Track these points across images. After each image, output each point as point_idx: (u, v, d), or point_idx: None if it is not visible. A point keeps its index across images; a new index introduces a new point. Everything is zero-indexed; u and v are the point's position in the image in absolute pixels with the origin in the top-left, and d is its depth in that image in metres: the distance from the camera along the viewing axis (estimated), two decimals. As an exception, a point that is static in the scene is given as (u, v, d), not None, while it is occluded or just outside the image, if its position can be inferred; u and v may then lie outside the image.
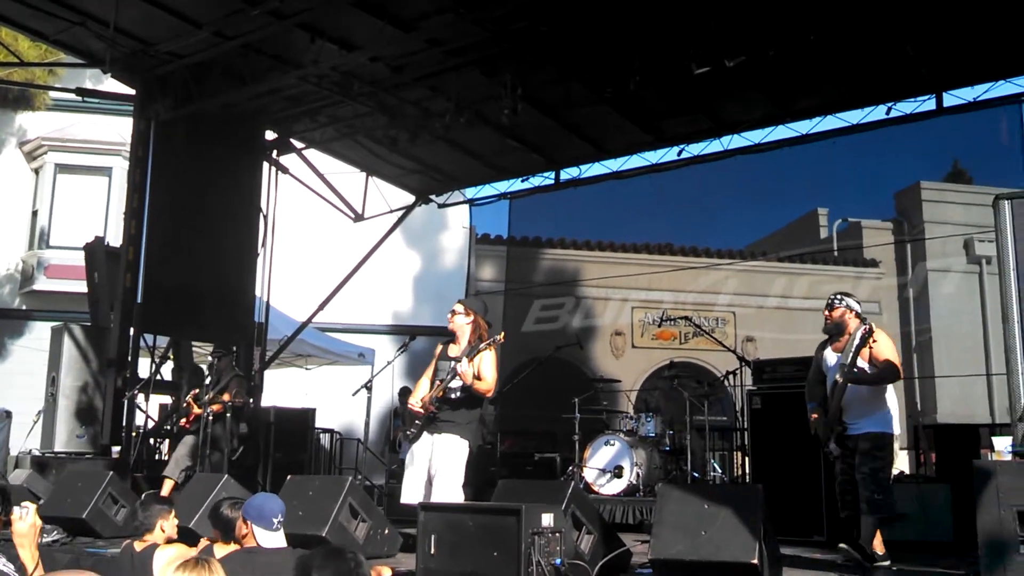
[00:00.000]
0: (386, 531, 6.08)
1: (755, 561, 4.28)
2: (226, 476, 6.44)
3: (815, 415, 6.01)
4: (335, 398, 14.19)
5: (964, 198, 17.71)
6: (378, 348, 15.19)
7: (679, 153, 11.17)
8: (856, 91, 9.70)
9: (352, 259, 13.00)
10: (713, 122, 10.61)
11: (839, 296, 6.06)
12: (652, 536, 4.54)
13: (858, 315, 5.97)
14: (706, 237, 17.82)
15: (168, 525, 5.32)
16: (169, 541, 5.28)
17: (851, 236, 18.92)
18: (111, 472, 7.28)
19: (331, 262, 14.80)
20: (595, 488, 8.92)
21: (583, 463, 9.19)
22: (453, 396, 5.95)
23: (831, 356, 5.97)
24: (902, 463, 12.56)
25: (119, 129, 16.42)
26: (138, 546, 5.18)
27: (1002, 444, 4.97)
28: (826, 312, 6.04)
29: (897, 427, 5.85)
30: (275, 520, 4.37)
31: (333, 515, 5.59)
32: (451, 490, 5.70)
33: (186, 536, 5.57)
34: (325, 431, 13.01)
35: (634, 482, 8.83)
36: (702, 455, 9.95)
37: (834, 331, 5.98)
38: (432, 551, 4.39)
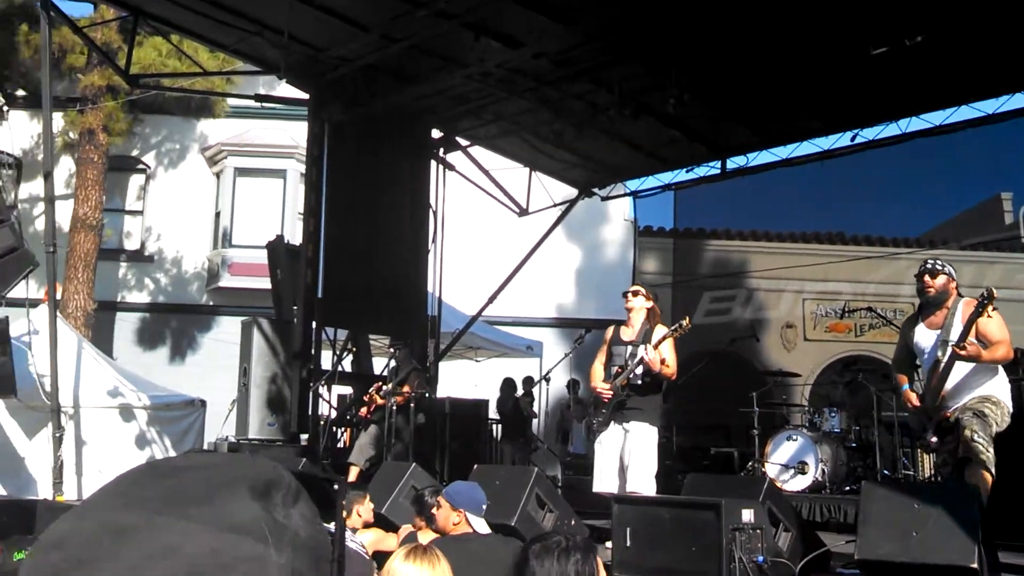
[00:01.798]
0: (572, 522, 6.07)
1: (975, 565, 4.02)
2: (414, 464, 6.60)
3: (912, 401, 5.35)
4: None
5: None
6: (544, 340, 15.32)
7: (852, 138, 10.69)
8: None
9: (516, 253, 13.12)
10: (889, 104, 10.09)
11: (941, 262, 5.35)
12: (858, 536, 4.34)
13: (958, 287, 5.34)
14: (879, 225, 17.07)
15: (364, 510, 5.49)
16: (366, 526, 5.46)
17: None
18: (303, 459, 7.58)
19: (496, 256, 14.99)
20: (778, 484, 8.64)
21: (764, 458, 8.94)
22: (638, 383, 5.89)
23: (926, 334, 5.30)
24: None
25: (292, 133, 17.17)
26: (335, 531, 5.38)
27: None
28: (927, 279, 5.26)
29: (1009, 403, 5.12)
30: (484, 507, 4.44)
31: (521, 505, 5.62)
32: (646, 480, 5.67)
33: (378, 522, 5.75)
34: (496, 422, 13.18)
35: (819, 479, 8.52)
36: (891, 452, 9.49)
37: (934, 302, 5.29)
38: (628, 543, 4.34)
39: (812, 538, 5.03)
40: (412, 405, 8.39)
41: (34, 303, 9.55)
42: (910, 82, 9.51)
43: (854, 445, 9.09)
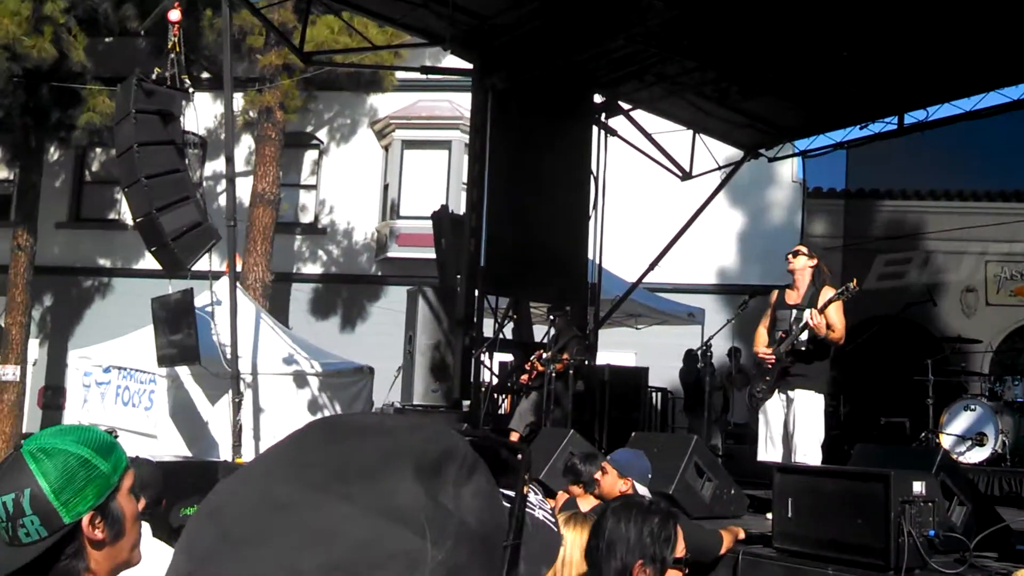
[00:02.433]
0: (732, 491, 6.02)
1: None
2: (572, 431, 6.68)
3: None
4: (663, 357, 14.30)
5: None
6: (705, 307, 15.07)
7: (1048, 86, 9.94)
8: None
9: (677, 218, 12.93)
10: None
11: None
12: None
13: None
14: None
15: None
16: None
17: None
18: (465, 424, 7.79)
19: (657, 221, 14.84)
20: (953, 456, 8.25)
21: (939, 428, 8.53)
22: (803, 348, 5.71)
23: None
24: None
25: (456, 104, 17.48)
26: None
27: None
28: None
29: None
30: (649, 476, 4.46)
31: (680, 473, 5.61)
32: (812, 449, 5.53)
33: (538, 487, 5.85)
34: (656, 390, 13.11)
35: (999, 451, 8.07)
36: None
37: None
38: (789, 514, 4.26)
39: (990, 513, 4.78)
40: (571, 372, 8.45)
41: (216, 275, 10.18)
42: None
43: (1040, 416, 8.54)
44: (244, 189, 16.30)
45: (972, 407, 8.38)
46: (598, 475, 4.60)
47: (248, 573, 0.58)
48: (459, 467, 0.63)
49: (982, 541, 4.55)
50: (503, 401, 11.09)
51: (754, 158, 12.94)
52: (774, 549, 4.31)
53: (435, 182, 17.89)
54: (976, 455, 8.19)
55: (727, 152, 13.02)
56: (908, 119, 11.30)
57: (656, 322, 14.69)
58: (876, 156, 13.22)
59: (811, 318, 5.57)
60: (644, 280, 13.10)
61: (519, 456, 0.71)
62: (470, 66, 10.86)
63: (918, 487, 3.99)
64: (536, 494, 0.80)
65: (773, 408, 5.82)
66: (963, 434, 8.29)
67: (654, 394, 13.18)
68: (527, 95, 10.64)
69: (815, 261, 5.96)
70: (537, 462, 6.37)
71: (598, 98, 11.86)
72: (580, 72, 10.83)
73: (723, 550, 4.37)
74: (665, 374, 13.89)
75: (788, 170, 17.20)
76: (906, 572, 3.77)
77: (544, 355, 8.97)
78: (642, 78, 11.13)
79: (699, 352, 12.73)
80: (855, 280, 5.75)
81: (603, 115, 11.99)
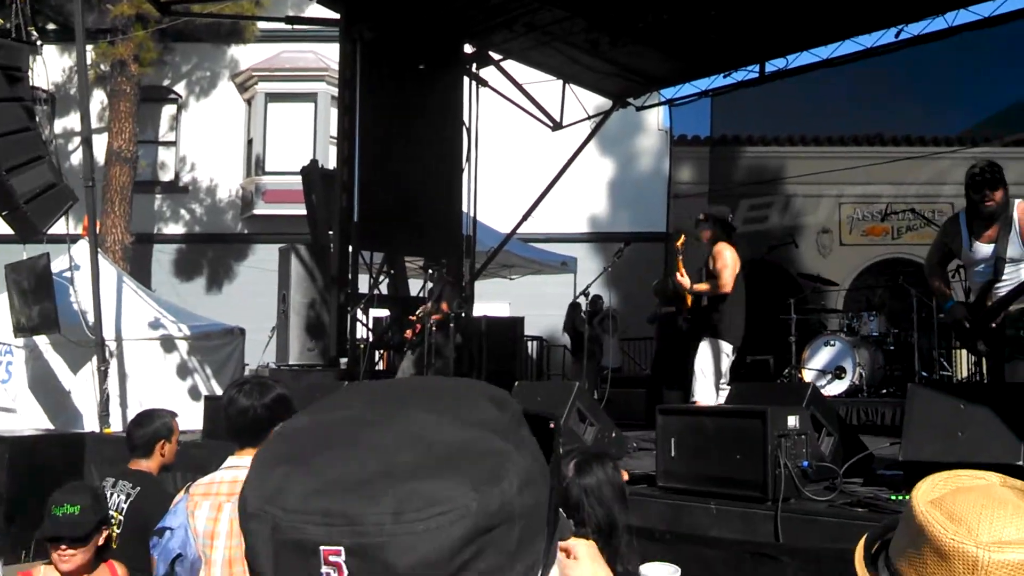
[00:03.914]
0: (613, 434, 6.17)
1: (1020, 462, 4.03)
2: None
3: (963, 316, 5.09)
4: (537, 306, 14.48)
5: None
6: (578, 255, 15.30)
7: (897, 34, 10.40)
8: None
9: (549, 168, 13.03)
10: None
11: (999, 168, 4.87)
12: (903, 437, 4.35)
13: (1007, 189, 4.93)
14: (920, 125, 16.65)
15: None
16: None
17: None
18: (346, 383, 7.71)
19: (529, 172, 14.91)
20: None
21: (801, 364, 8.95)
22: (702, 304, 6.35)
23: (978, 247, 5.00)
24: None
25: (322, 55, 17.02)
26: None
27: None
28: (987, 191, 4.84)
29: None
30: None
31: (563, 419, 5.69)
32: (703, 390, 6.11)
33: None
34: (532, 338, 13.28)
35: (856, 383, 8.53)
36: (929, 354, 9.46)
37: (990, 214, 4.93)
38: (672, 453, 4.40)
39: (854, 441, 5.07)
40: (451, 325, 8.46)
41: (74, 239, 9.68)
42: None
43: (892, 348, 9.07)
44: (99, 147, 15.48)
45: (832, 343, 8.82)
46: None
47: (343, 470, 0.60)
48: (514, 414, 0.68)
49: (849, 468, 4.82)
50: (380, 358, 11.02)
51: (623, 107, 13.12)
52: (658, 488, 4.44)
53: (302, 136, 17.45)
54: (836, 387, 8.64)
55: (597, 102, 13.16)
56: (769, 67, 11.66)
57: (530, 272, 14.83)
58: (740, 105, 13.61)
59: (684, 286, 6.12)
60: (518, 231, 13.19)
61: (551, 424, 0.75)
62: (336, 16, 10.57)
63: (792, 421, 4.18)
64: None
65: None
66: (824, 368, 8.73)
67: (530, 343, 13.37)
68: (397, 46, 10.46)
69: (708, 232, 6.41)
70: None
71: (469, 48, 11.75)
72: (450, 22, 10.72)
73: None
74: (540, 322, 14.08)
75: (655, 119, 17.53)
76: (783, 501, 3.96)
77: (423, 308, 8.94)
78: (512, 28, 11.09)
79: (579, 300, 13.02)
80: (681, 236, 6.64)
81: (474, 65, 11.91)
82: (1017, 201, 5.04)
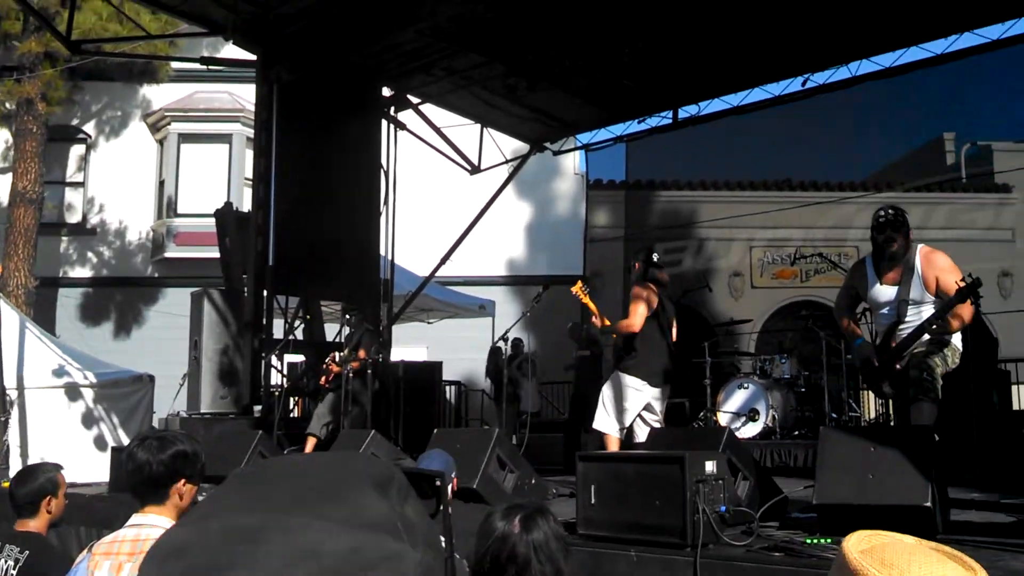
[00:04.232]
0: (533, 481, 6.13)
1: (928, 504, 4.13)
2: (373, 431, 6.58)
3: (869, 356, 5.29)
4: (455, 350, 14.42)
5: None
6: (496, 299, 15.32)
7: (804, 83, 10.77)
8: (995, 3, 9.15)
9: (466, 212, 13.06)
10: (840, 47, 10.16)
11: (901, 213, 5.07)
12: (816, 481, 4.42)
13: (909, 233, 5.13)
14: (826, 170, 17.25)
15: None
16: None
17: (981, 160, 18.03)
18: (260, 431, 7.53)
19: (446, 215, 14.93)
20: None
21: (716, 407, 9.08)
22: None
23: (882, 289, 5.21)
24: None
25: (237, 96, 16.82)
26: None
27: None
28: (890, 233, 5.06)
29: (959, 344, 5.18)
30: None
31: (483, 467, 5.64)
32: (601, 420, 6.56)
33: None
34: (450, 383, 13.20)
35: (770, 425, 8.69)
36: (838, 396, 9.70)
37: (894, 258, 5.13)
38: (592, 500, 4.38)
39: (769, 484, 5.12)
40: (369, 371, 8.35)
41: (-26, 282, 9.31)
42: (860, 24, 9.58)
43: (803, 390, 9.27)
44: (2, 188, 15.01)
45: (745, 385, 8.98)
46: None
47: None
48: (398, 490, 0.66)
49: (764, 512, 4.87)
50: (294, 405, 10.80)
51: (540, 151, 13.26)
52: (578, 536, 4.42)
53: (215, 178, 17.14)
54: (750, 430, 8.78)
55: (515, 145, 13.28)
56: (682, 114, 11.93)
57: (447, 315, 14.78)
58: (655, 150, 13.90)
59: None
60: (435, 274, 13.15)
61: (438, 482, 0.77)
62: (253, 57, 10.48)
63: (710, 466, 4.21)
64: None
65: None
66: (738, 411, 8.87)
67: (448, 388, 13.28)
68: (314, 88, 10.40)
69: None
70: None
71: (387, 91, 11.76)
72: (368, 65, 10.72)
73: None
74: (458, 367, 14.00)
75: (571, 163, 17.76)
76: (702, 547, 3.97)
77: (339, 355, 8.81)
78: (430, 71, 11.14)
79: (500, 345, 12.99)
80: (578, 283, 6.93)
81: (392, 109, 11.91)
82: (919, 246, 5.24)
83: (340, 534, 0.59)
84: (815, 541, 3.93)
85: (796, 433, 8.87)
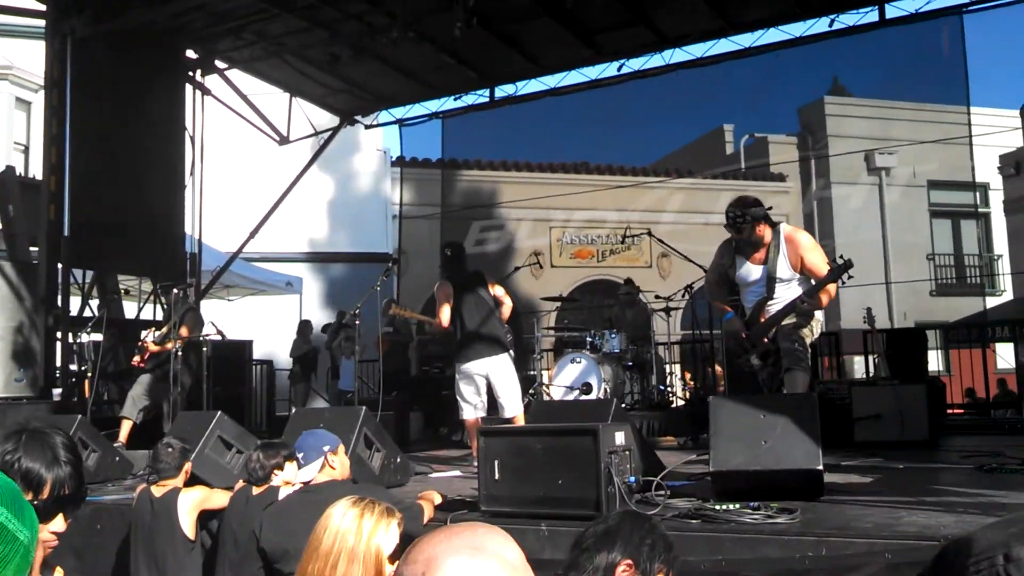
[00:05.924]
0: (398, 460, 5.94)
1: (820, 467, 4.35)
2: (219, 413, 6.12)
3: (739, 329, 5.54)
4: (260, 328, 13.77)
5: (865, 112, 18.33)
6: (302, 276, 14.79)
7: (619, 68, 11.05)
8: (802, 2, 9.77)
9: (270, 184, 12.52)
10: (656, 36, 10.49)
11: (741, 213, 5.33)
12: (711, 448, 4.53)
13: (767, 220, 5.42)
14: (618, 155, 17.97)
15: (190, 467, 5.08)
16: (187, 484, 5.03)
17: (757, 151, 19.40)
18: (80, 416, 6.86)
19: (250, 188, 14.22)
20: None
21: (549, 381, 9.19)
22: None
23: (750, 268, 5.48)
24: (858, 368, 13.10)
25: (4, 52, 15.18)
26: (156, 491, 4.91)
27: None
28: (744, 230, 5.35)
29: (822, 318, 5.57)
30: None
31: (352, 447, 5.39)
32: (463, 412, 6.89)
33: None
34: (259, 362, 12.60)
35: (603, 396, 8.88)
36: (661, 369, 10.09)
37: (751, 244, 5.44)
38: (496, 477, 4.28)
39: (653, 456, 5.22)
40: (205, 349, 7.80)
41: None
42: (675, 13, 9.93)
43: (631, 364, 9.56)
44: None
45: (577, 360, 9.13)
46: (333, 454, 4.31)
47: None
48: None
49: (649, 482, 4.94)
50: (105, 387, 9.92)
51: (351, 124, 12.87)
52: (482, 513, 4.29)
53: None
54: (584, 403, 8.94)
55: (324, 118, 12.79)
56: (499, 92, 11.92)
57: (251, 293, 14.10)
58: (471, 128, 13.87)
59: None
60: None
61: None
62: (42, 7, 9.47)
63: (620, 437, 4.21)
64: None
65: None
66: (571, 385, 9.00)
67: (256, 367, 12.67)
68: (113, 45, 9.58)
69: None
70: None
71: (192, 54, 10.98)
72: (174, 24, 9.97)
73: (426, 519, 4.28)
74: (263, 346, 13.38)
75: (374, 139, 17.39)
76: (616, 518, 3.96)
77: (157, 333, 8.16)
78: (240, 35, 10.51)
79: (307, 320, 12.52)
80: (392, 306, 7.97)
81: (198, 72, 11.14)
82: (782, 225, 5.51)
83: None
84: (724, 507, 4.02)
85: (624, 405, 9.12)
